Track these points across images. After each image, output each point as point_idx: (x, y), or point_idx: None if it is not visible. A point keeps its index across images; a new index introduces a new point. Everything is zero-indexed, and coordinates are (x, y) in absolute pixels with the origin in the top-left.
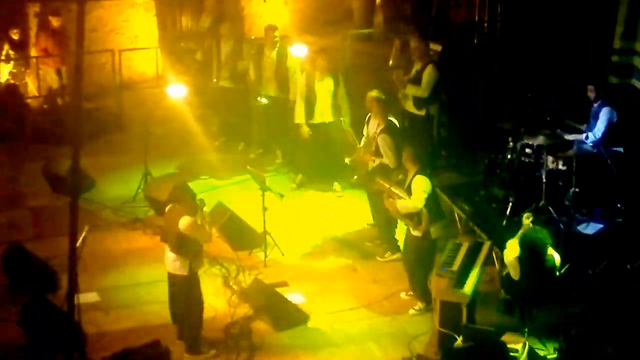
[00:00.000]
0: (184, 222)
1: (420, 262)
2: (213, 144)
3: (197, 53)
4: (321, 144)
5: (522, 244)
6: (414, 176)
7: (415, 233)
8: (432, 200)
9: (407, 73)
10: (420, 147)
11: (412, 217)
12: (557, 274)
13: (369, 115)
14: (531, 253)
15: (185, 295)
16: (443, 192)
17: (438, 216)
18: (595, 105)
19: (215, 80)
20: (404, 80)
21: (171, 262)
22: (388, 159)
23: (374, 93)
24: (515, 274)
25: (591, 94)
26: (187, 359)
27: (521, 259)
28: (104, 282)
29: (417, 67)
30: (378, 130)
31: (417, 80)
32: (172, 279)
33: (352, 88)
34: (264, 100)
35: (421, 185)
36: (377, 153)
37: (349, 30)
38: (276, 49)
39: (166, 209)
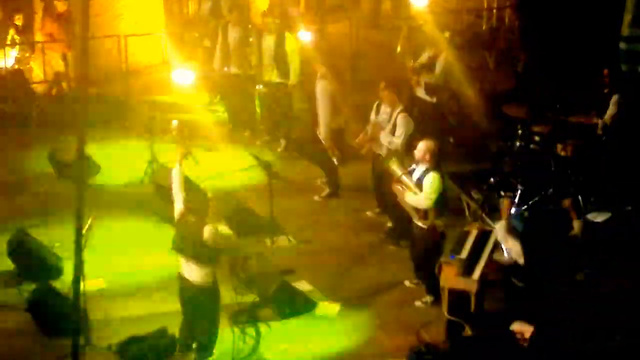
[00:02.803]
0: (209, 234)
1: (427, 254)
2: (220, 131)
3: (204, 40)
4: None
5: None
6: (427, 171)
7: (421, 224)
8: (441, 196)
9: (416, 60)
10: (430, 134)
11: (419, 210)
12: None
13: (378, 102)
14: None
15: (208, 304)
16: (451, 179)
17: (444, 210)
18: (607, 91)
19: (225, 69)
20: (416, 67)
21: (193, 272)
22: (397, 139)
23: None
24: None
25: (606, 80)
26: None
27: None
28: (110, 269)
29: (429, 53)
30: (398, 110)
31: (430, 67)
32: (194, 289)
33: (359, 75)
34: (259, 87)
35: (434, 185)
36: (394, 132)
37: (356, 16)
38: (274, 34)
39: (177, 219)
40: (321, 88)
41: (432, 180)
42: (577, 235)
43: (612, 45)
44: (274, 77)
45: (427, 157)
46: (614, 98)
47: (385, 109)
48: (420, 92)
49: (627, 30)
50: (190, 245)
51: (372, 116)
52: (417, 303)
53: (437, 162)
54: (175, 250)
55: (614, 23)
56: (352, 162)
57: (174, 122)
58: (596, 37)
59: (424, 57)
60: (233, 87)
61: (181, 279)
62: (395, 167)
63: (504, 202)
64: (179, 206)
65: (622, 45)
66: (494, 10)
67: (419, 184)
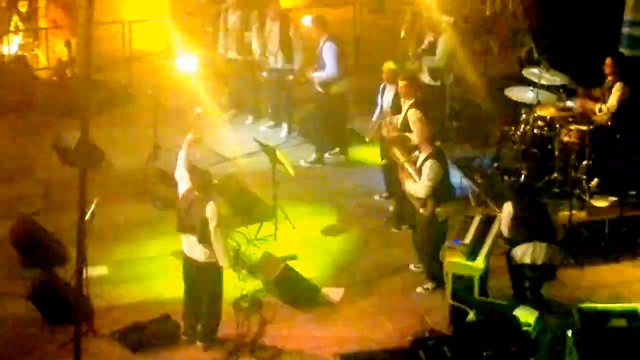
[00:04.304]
0: (211, 210)
1: (429, 242)
2: (223, 116)
3: (205, 26)
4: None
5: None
6: (426, 158)
7: (422, 212)
8: (440, 184)
9: (419, 45)
10: (434, 119)
11: (419, 199)
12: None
13: (383, 84)
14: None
15: (211, 282)
16: (455, 164)
17: (446, 198)
18: (610, 78)
19: (223, 51)
20: (417, 52)
21: (196, 250)
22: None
23: (403, 76)
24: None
25: (608, 69)
26: (202, 346)
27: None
28: (113, 256)
29: (429, 38)
30: (407, 105)
31: (431, 51)
32: (197, 267)
33: (363, 60)
34: (264, 74)
35: (430, 173)
36: (406, 127)
37: (360, 1)
38: (278, 20)
39: (182, 196)
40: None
41: (429, 169)
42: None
43: (615, 30)
44: (278, 63)
45: (424, 144)
46: (618, 85)
47: (389, 91)
48: (424, 77)
49: (630, 15)
50: (193, 222)
51: (378, 99)
52: (419, 289)
53: (435, 149)
54: (179, 229)
55: (617, 7)
56: (359, 146)
57: (198, 110)
58: (599, 21)
59: (425, 42)
60: (235, 73)
61: (185, 258)
62: (398, 154)
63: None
64: (183, 186)
65: (625, 29)
66: None
67: (419, 171)
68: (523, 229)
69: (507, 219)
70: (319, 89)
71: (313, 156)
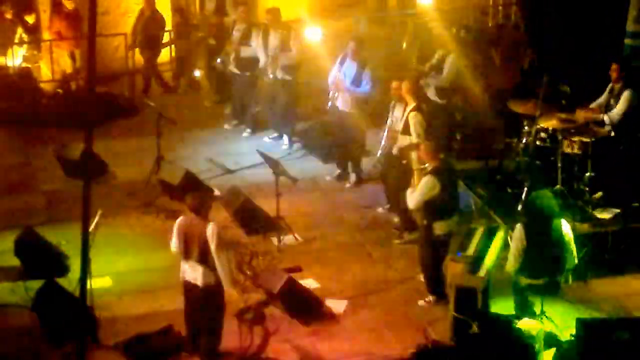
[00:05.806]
0: (211, 231)
1: (426, 255)
2: (225, 128)
3: (208, 39)
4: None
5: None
6: (426, 173)
7: (420, 226)
8: (437, 199)
9: (421, 57)
10: (438, 134)
11: (416, 210)
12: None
13: (393, 102)
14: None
15: (212, 303)
16: (458, 176)
17: (445, 213)
18: (617, 85)
19: (218, 61)
20: (425, 68)
21: (197, 274)
22: (417, 136)
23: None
24: (514, 262)
25: (614, 74)
26: None
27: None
28: (117, 267)
29: (438, 55)
30: (409, 109)
31: (438, 69)
32: (197, 290)
33: None
34: (265, 78)
35: (423, 187)
36: (406, 131)
37: (362, 13)
38: (279, 31)
39: (182, 219)
40: None
41: (424, 183)
42: None
43: (617, 41)
44: (277, 74)
45: (425, 159)
46: (626, 94)
47: (399, 109)
48: (430, 93)
49: (632, 26)
50: (193, 246)
51: (390, 116)
52: (420, 302)
53: (439, 164)
54: (183, 257)
55: (619, 19)
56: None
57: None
58: (601, 32)
59: (434, 58)
60: (234, 85)
61: (184, 282)
62: (414, 161)
63: None
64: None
65: (628, 41)
66: (500, 7)
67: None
68: (533, 262)
69: (516, 246)
70: (344, 107)
71: (337, 172)
